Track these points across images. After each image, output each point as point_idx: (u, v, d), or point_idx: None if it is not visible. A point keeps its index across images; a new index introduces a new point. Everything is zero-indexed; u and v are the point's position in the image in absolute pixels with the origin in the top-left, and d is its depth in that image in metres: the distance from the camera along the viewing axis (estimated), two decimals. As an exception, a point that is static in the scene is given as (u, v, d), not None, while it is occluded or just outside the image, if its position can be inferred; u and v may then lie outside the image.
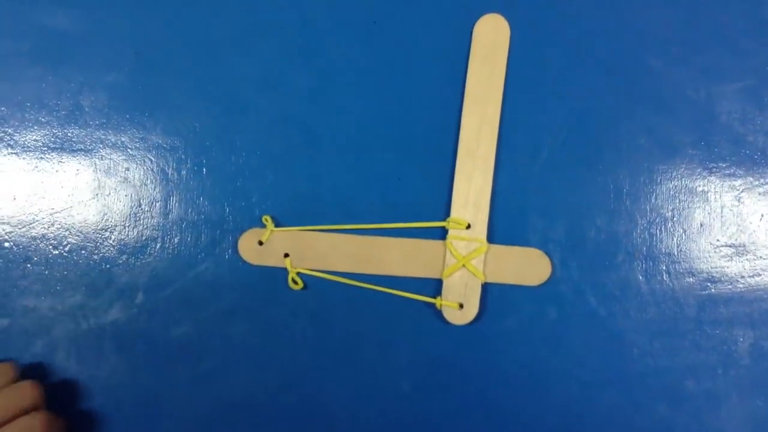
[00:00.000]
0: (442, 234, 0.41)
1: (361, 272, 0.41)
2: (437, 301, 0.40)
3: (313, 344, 0.41)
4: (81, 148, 0.42)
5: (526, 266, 0.40)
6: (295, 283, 0.41)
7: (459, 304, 0.40)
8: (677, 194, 0.41)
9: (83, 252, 0.41)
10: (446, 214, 0.41)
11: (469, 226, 0.40)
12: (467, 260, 0.40)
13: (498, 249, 0.40)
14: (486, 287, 0.40)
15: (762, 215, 0.41)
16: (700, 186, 0.41)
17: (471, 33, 0.42)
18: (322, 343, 0.41)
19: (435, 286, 0.41)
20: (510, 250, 0.40)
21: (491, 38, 0.41)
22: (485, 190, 0.41)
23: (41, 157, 0.42)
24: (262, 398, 0.41)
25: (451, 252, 0.40)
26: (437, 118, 0.41)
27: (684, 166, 0.41)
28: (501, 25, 0.41)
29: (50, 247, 0.41)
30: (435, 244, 0.41)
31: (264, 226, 0.41)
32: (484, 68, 0.41)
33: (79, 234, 0.41)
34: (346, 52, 0.42)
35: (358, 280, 0.41)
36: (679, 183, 0.41)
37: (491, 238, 0.41)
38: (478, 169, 0.41)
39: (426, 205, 0.41)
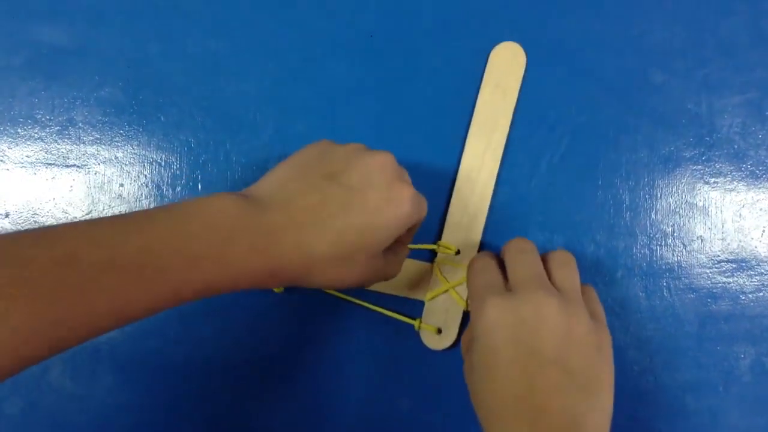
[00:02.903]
0: (431, 256, 0.40)
1: None
2: (416, 323, 0.39)
3: (303, 355, 0.41)
4: (74, 164, 0.41)
5: None
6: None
7: (437, 329, 0.39)
8: (677, 209, 0.40)
9: (77, 269, 0.41)
10: (438, 236, 0.40)
11: (458, 252, 0.40)
12: (452, 286, 0.39)
13: None
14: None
15: (763, 230, 0.40)
16: (700, 201, 0.40)
17: (477, 57, 0.41)
18: (309, 353, 0.41)
19: (420, 308, 0.40)
20: None
21: (506, 66, 0.40)
22: (479, 218, 0.40)
23: (34, 173, 0.41)
24: (259, 415, 0.40)
25: (437, 276, 0.40)
26: (439, 140, 0.41)
27: (684, 180, 0.40)
28: (518, 53, 0.40)
29: (44, 264, 0.41)
30: (422, 266, 0.40)
31: None
32: (496, 95, 0.40)
33: (74, 251, 0.41)
34: (345, 68, 0.42)
35: (343, 292, 0.40)
36: (680, 197, 0.40)
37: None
38: (475, 195, 0.40)
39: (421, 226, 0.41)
